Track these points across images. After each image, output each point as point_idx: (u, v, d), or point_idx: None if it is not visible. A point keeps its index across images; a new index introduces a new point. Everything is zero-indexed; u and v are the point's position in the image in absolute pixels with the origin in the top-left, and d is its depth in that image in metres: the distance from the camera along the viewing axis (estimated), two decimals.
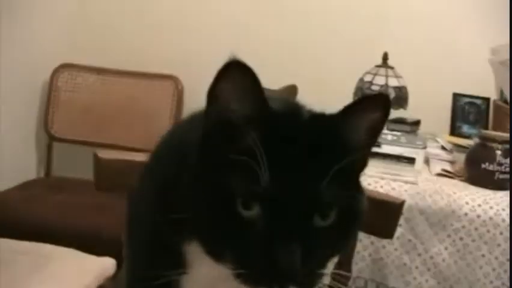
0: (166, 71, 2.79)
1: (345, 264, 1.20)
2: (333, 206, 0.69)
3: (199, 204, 0.70)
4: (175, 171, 0.75)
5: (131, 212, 0.89)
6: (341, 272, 1.01)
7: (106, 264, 1.83)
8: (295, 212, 0.67)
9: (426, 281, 1.91)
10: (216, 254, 0.71)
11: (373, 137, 0.73)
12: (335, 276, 1.00)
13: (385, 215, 1.11)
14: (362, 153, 0.72)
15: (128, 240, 0.90)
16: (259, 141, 0.66)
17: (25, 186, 2.64)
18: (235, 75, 0.67)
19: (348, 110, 0.71)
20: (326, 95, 2.82)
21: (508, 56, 2.33)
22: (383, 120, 0.72)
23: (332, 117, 0.72)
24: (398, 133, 2.23)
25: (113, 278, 1.84)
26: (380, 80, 2.51)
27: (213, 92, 0.69)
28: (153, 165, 0.85)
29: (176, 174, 0.75)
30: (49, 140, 2.87)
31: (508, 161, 2.01)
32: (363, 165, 0.75)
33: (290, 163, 0.68)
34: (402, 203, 1.12)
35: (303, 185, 0.67)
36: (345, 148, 0.70)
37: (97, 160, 1.19)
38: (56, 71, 2.85)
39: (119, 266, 1.80)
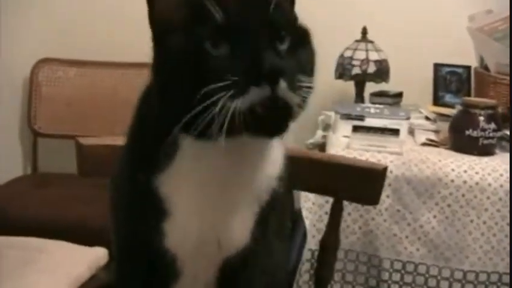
0: (145, 59, 2.77)
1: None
2: (284, 29, 0.78)
3: (177, 68, 0.77)
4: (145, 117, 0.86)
5: (113, 187, 0.91)
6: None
7: (98, 254, 1.83)
8: (257, 34, 0.74)
9: (417, 249, 1.93)
10: (207, 104, 0.73)
11: None
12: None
13: (369, 182, 1.12)
14: None
15: (111, 215, 0.93)
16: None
17: (12, 184, 2.63)
18: None
19: None
20: None
21: (484, 22, 2.35)
22: None
23: None
24: (381, 106, 2.24)
25: (106, 267, 1.84)
26: (360, 55, 2.52)
27: (152, 17, 0.81)
28: (126, 143, 0.92)
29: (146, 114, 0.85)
30: (34, 136, 2.86)
31: (491, 126, 2.02)
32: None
33: (238, 5, 0.76)
34: (385, 168, 1.13)
35: (253, 14, 0.76)
36: None
37: (79, 146, 1.19)
38: (36, 66, 2.83)
39: (111, 255, 1.80)
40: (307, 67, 0.81)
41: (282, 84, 0.72)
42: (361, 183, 1.12)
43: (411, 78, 2.67)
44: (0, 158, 2.77)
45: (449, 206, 1.91)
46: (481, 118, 2.03)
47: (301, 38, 0.82)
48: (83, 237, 1.93)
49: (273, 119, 0.75)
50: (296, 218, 1.94)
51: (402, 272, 1.94)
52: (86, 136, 2.58)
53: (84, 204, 2.26)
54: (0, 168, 2.73)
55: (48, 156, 2.90)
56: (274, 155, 0.89)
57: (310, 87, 0.77)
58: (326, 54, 2.75)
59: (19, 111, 2.92)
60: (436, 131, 2.26)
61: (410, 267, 1.93)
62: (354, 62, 2.50)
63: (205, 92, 0.72)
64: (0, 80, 2.75)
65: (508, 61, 2.30)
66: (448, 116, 2.30)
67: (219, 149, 0.76)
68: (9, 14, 2.76)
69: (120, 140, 1.07)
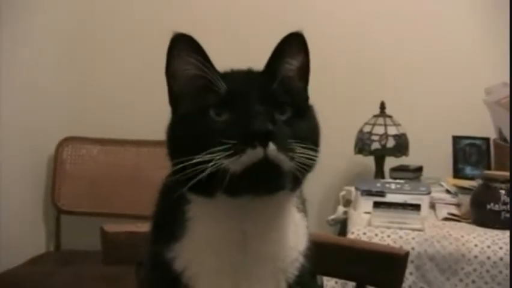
0: None
1: None
2: (285, 102, 0.85)
3: (185, 133, 0.84)
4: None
5: (140, 269, 0.92)
6: None
7: None
8: (254, 103, 0.82)
9: None
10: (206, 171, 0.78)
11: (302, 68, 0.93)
12: None
13: (390, 267, 1.12)
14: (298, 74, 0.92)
15: None
16: (214, 75, 0.85)
17: (35, 261, 2.64)
18: (179, 47, 0.85)
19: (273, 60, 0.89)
20: (327, 149, 2.84)
21: (501, 95, 2.37)
22: (305, 60, 0.93)
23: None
24: (402, 181, 2.25)
25: None
26: (379, 130, 2.54)
27: (169, 72, 0.88)
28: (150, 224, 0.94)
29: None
30: (57, 213, 2.88)
31: None
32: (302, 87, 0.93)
33: (242, 80, 0.86)
34: (406, 254, 1.13)
35: (254, 87, 0.84)
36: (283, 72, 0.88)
37: (104, 234, 1.20)
38: (60, 145, 2.89)
39: None
40: (307, 137, 0.84)
41: (272, 146, 0.77)
42: (383, 269, 1.12)
43: (431, 151, 2.68)
44: (23, 234, 2.79)
45: (473, 282, 1.89)
46: (502, 192, 2.03)
47: (304, 112, 0.87)
48: None
49: (266, 179, 0.79)
50: None
51: None
52: (109, 214, 2.65)
53: (107, 284, 2.26)
54: (23, 245, 2.75)
55: (71, 233, 2.92)
56: (297, 228, 0.89)
57: (311, 155, 0.81)
58: (345, 130, 2.78)
59: (43, 189, 2.96)
60: (457, 205, 2.25)
61: None
62: (373, 137, 2.52)
63: (208, 153, 0.78)
64: (25, 157, 2.80)
65: None
66: (468, 189, 2.29)
67: (228, 213, 0.82)
68: (34, 92, 2.83)
69: (144, 227, 1.09)
